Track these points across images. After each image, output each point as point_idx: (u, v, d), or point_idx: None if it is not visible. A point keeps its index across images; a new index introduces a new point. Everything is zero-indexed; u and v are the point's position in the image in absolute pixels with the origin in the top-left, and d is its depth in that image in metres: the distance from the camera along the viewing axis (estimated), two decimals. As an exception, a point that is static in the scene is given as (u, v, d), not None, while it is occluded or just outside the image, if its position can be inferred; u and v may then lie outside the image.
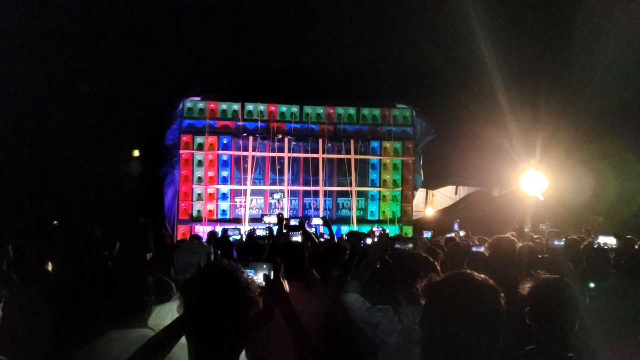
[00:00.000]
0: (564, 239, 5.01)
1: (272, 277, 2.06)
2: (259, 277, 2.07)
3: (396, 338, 2.80)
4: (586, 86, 13.56)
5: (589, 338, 2.51)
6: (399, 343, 2.78)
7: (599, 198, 14.48)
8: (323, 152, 15.56)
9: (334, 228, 9.80)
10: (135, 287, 2.46)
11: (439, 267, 3.23)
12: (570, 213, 14.01)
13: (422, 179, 16.69)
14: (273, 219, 7.08)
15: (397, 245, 3.91)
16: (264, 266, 2.10)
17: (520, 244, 4.83)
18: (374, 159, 16.06)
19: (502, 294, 1.70)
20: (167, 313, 2.57)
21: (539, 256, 5.04)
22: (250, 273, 2.06)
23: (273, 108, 15.56)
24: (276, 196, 14.13)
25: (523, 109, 14.55)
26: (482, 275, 1.73)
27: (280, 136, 15.32)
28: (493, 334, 1.61)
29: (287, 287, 2.07)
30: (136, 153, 11.74)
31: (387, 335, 2.82)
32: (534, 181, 16.03)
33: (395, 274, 3.15)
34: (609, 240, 4.62)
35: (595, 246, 4.60)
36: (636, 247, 4.53)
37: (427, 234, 9.20)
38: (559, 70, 14.21)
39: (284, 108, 15.63)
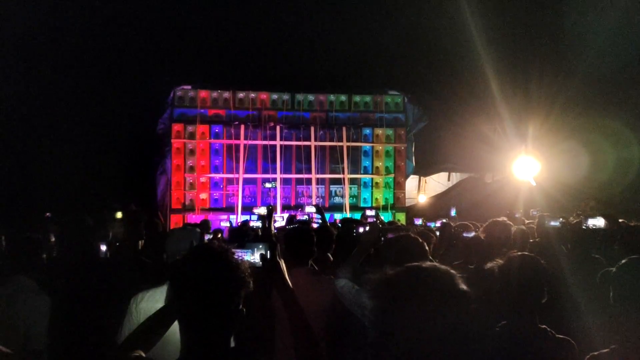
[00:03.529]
0: (560, 219, 5.01)
1: (268, 257, 2.06)
2: (255, 257, 2.07)
3: None
4: (577, 67, 13.61)
5: (579, 314, 2.54)
6: None
7: (591, 182, 14.55)
8: (315, 140, 15.52)
9: (327, 215, 9.81)
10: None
11: (428, 249, 3.25)
12: (562, 197, 14.08)
13: (414, 165, 16.71)
14: (263, 211, 7.06)
15: (390, 236, 3.93)
16: (260, 246, 2.10)
17: (515, 228, 4.87)
18: (366, 146, 16.05)
19: (458, 275, 1.65)
20: (159, 296, 2.57)
21: (531, 240, 5.06)
22: (247, 253, 2.07)
23: (264, 96, 15.50)
24: (267, 185, 14.09)
25: (514, 94, 14.57)
26: (431, 263, 1.70)
27: (272, 124, 15.27)
28: (460, 318, 1.55)
29: (284, 267, 2.07)
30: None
31: None
32: (526, 166, 16.09)
33: (385, 256, 3.16)
34: (598, 222, 4.63)
35: (584, 227, 4.63)
36: (632, 224, 4.56)
37: (418, 221, 9.18)
38: (549, 53, 14.24)
39: (275, 96, 15.57)
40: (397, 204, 16.03)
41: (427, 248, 3.10)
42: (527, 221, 7.71)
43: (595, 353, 2.18)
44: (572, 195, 14.21)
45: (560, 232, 4.81)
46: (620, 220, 5.52)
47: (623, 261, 2.53)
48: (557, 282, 3.25)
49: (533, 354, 2.15)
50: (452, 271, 1.66)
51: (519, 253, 2.50)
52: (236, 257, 1.80)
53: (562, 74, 13.94)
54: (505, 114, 15.17)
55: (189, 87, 15.14)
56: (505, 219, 4.97)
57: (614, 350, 2.15)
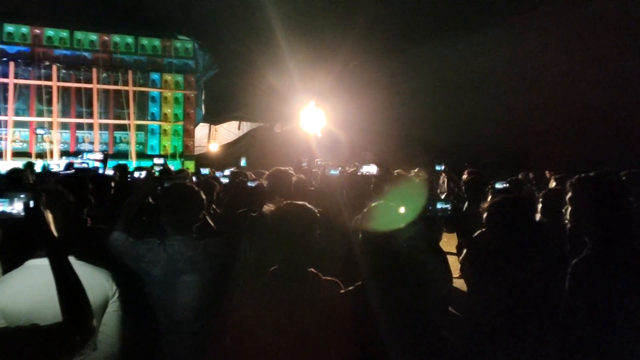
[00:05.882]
0: (339, 168, 5.47)
1: (32, 207, 1.86)
2: (14, 208, 1.86)
3: (161, 268, 2.78)
4: (361, 30, 14.44)
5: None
6: (164, 273, 2.77)
7: (370, 134, 15.75)
8: (98, 83, 14.49)
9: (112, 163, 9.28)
10: None
11: (209, 198, 3.23)
12: (345, 148, 15.04)
13: (204, 113, 16.55)
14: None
15: (167, 185, 3.85)
16: (22, 195, 1.89)
17: (296, 177, 5.09)
18: (154, 91, 15.43)
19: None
20: None
21: (311, 188, 5.38)
22: (3, 203, 1.85)
23: (38, 31, 13.99)
24: (40, 131, 12.69)
25: (303, 49, 15.04)
26: None
27: (47, 63, 13.88)
28: None
29: (50, 217, 1.88)
30: None
31: (152, 267, 2.78)
32: (313, 118, 16.86)
33: (160, 206, 3.09)
34: (371, 169, 5.12)
35: (359, 174, 5.11)
36: (395, 173, 5.07)
37: (205, 171, 9.16)
38: (340, 14, 14.89)
39: (51, 32, 14.14)
40: (186, 152, 15.79)
41: (203, 197, 3.08)
42: (313, 170, 8.16)
43: (343, 290, 2.38)
44: (353, 147, 15.28)
45: (339, 179, 5.21)
46: (396, 171, 6.11)
47: (370, 205, 2.77)
48: (331, 227, 3.48)
49: (303, 298, 2.27)
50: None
51: (288, 201, 2.58)
52: None
53: (347, 34, 14.70)
54: (295, 67, 15.62)
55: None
56: (289, 168, 5.16)
57: (357, 287, 2.40)
